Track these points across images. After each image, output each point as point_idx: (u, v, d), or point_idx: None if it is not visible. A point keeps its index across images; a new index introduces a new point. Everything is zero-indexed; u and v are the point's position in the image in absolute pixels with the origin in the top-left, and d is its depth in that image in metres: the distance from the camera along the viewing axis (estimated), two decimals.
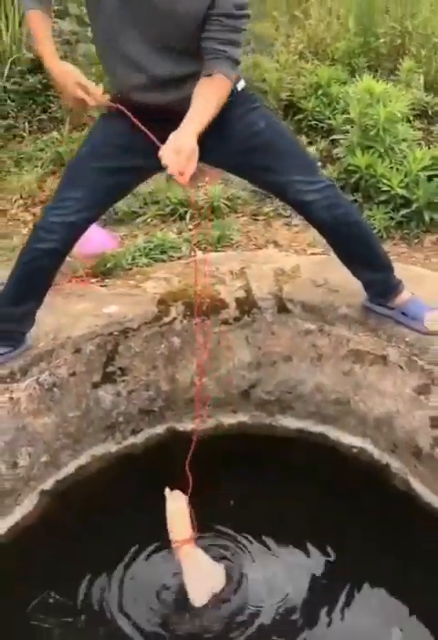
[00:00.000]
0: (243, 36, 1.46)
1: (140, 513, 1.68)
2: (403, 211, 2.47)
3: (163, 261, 2.28)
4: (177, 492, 1.60)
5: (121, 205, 2.60)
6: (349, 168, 2.60)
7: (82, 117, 3.21)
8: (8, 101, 3.32)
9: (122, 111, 1.49)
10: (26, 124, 3.30)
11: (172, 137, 1.37)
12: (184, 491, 1.58)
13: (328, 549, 1.70)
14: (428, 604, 1.58)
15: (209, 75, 1.43)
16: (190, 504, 1.58)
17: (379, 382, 1.85)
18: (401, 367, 1.80)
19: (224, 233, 2.43)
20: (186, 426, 2.02)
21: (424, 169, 2.46)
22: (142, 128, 1.45)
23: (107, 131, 1.60)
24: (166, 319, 1.93)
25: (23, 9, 3.35)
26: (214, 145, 1.48)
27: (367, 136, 2.55)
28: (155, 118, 1.46)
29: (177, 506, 1.58)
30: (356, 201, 2.57)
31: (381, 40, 3.40)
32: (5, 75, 3.34)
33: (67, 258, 2.08)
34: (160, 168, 1.42)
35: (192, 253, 2.27)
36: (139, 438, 2.01)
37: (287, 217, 2.58)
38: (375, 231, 2.42)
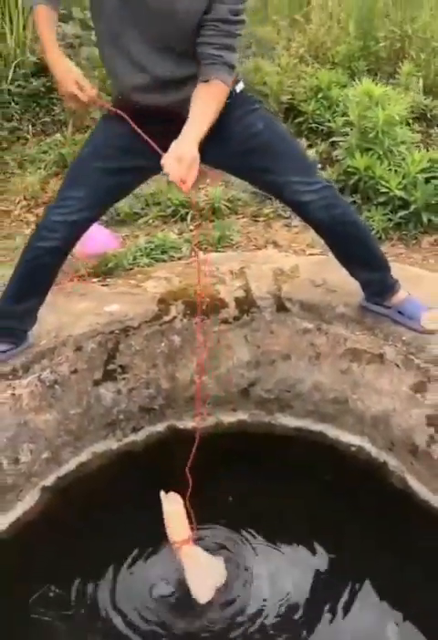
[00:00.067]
0: (238, 41, 1.48)
1: (141, 510, 1.69)
2: (401, 213, 2.49)
3: (164, 261, 2.30)
4: (173, 494, 1.62)
5: (123, 206, 2.63)
6: (349, 170, 2.62)
7: (84, 118, 3.23)
8: (12, 104, 3.35)
9: (123, 117, 1.51)
10: (30, 126, 3.33)
11: (174, 145, 1.39)
12: (184, 492, 1.60)
13: (327, 546, 1.71)
14: (425, 601, 1.60)
15: (206, 81, 1.45)
16: (188, 503, 1.60)
17: (376, 380, 1.87)
18: (398, 366, 1.82)
19: (225, 234, 2.45)
20: (186, 424, 2.04)
21: (422, 171, 2.49)
22: (143, 135, 1.47)
23: (108, 133, 1.62)
24: (166, 318, 1.95)
25: (28, 9, 3.41)
26: (214, 146, 1.49)
27: (366, 138, 2.58)
28: (156, 118, 1.49)
29: (174, 508, 1.60)
30: (355, 202, 2.59)
31: (381, 44, 3.43)
32: (10, 78, 3.37)
33: (70, 258, 2.13)
34: (161, 168, 1.45)
35: (193, 254, 2.29)
36: (139, 436, 2.02)
37: (287, 218, 2.61)
38: (373, 232, 2.44)
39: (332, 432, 2.02)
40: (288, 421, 2.07)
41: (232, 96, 1.54)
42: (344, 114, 2.86)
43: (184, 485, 1.60)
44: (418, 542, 1.73)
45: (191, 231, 2.50)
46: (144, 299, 1.98)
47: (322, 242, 1.86)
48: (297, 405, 2.04)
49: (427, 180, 2.49)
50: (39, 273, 1.67)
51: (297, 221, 2.52)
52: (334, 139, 2.89)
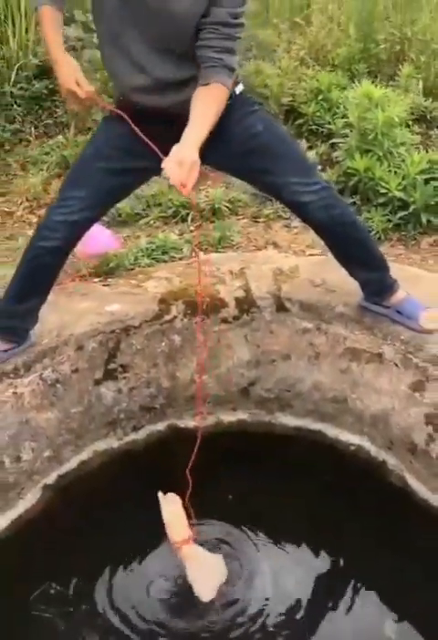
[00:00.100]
0: (238, 45, 1.49)
1: (141, 509, 1.70)
2: (401, 214, 2.50)
3: (165, 261, 2.31)
4: (171, 496, 1.63)
5: (125, 207, 2.64)
6: (349, 171, 2.63)
7: (86, 120, 3.25)
8: (15, 106, 3.36)
9: (124, 118, 1.53)
10: (33, 128, 3.35)
11: (175, 149, 1.40)
12: (184, 492, 1.61)
13: (326, 544, 1.72)
14: (424, 599, 1.61)
15: (206, 84, 1.46)
16: (187, 503, 1.61)
17: (375, 380, 1.88)
18: (397, 365, 1.83)
19: (225, 235, 2.47)
20: (187, 423, 2.05)
21: (422, 172, 2.50)
22: (143, 137, 1.48)
23: (109, 134, 1.64)
24: (167, 317, 1.96)
25: (33, 10, 3.44)
26: (214, 148, 1.50)
27: (365, 140, 2.59)
28: (156, 120, 1.50)
29: (172, 509, 1.61)
30: (354, 203, 2.60)
31: (381, 46, 3.44)
32: (12, 80, 3.38)
33: (72, 258, 2.15)
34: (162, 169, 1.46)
35: (194, 254, 2.30)
36: (140, 435, 2.04)
37: (287, 219, 2.62)
38: (373, 232, 2.46)
39: (332, 431, 2.03)
40: (288, 420, 2.08)
41: (231, 98, 1.55)
42: (344, 116, 2.87)
43: (185, 484, 1.61)
44: (417, 541, 1.74)
45: (191, 231, 2.52)
46: (145, 299, 2.00)
47: (322, 242, 1.87)
48: (297, 404, 2.05)
49: (426, 182, 2.50)
50: (40, 272, 1.69)
51: (297, 222, 2.53)
52: (334, 140, 2.90)
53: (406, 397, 1.81)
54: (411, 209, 2.48)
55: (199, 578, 1.57)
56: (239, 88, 1.61)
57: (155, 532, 1.64)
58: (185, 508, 1.62)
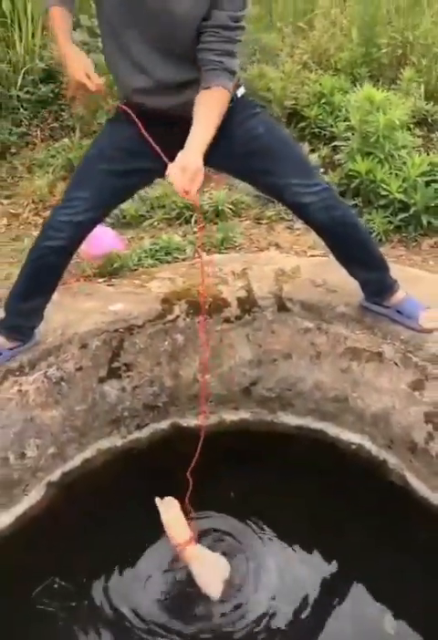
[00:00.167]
0: (238, 47, 1.50)
1: (144, 507, 1.70)
2: (402, 216, 2.52)
3: (168, 262, 2.33)
4: (168, 499, 1.64)
5: (129, 209, 2.67)
6: (350, 173, 2.65)
7: (91, 124, 3.28)
8: (21, 110, 3.39)
9: (130, 118, 1.54)
10: (39, 132, 3.38)
11: (180, 155, 1.42)
12: (185, 492, 1.62)
13: (327, 543, 1.73)
14: (424, 596, 1.62)
15: (208, 87, 1.47)
16: (187, 503, 1.62)
17: (375, 379, 1.90)
18: (397, 364, 1.85)
19: (228, 236, 2.49)
20: (190, 421, 2.07)
21: (423, 174, 2.51)
22: (150, 141, 1.50)
23: (113, 136, 1.66)
24: (170, 317, 1.98)
25: (39, 15, 3.48)
26: (216, 150, 1.52)
27: (367, 142, 2.61)
28: (158, 121, 1.53)
29: (171, 512, 1.62)
30: (356, 205, 2.62)
31: (383, 50, 3.47)
32: (19, 84, 3.42)
33: (76, 259, 2.17)
34: (166, 169, 1.49)
35: (197, 255, 2.33)
36: (143, 433, 2.06)
37: (289, 220, 2.64)
38: (374, 234, 2.48)
39: (333, 430, 2.05)
40: (290, 419, 2.10)
41: (233, 100, 1.57)
42: (346, 119, 2.89)
43: (187, 484, 1.63)
44: (417, 538, 1.75)
45: (195, 233, 2.54)
46: (148, 299, 2.02)
47: (323, 243, 1.88)
48: (298, 403, 2.07)
49: (427, 184, 2.52)
50: (45, 272, 1.71)
51: (299, 223, 2.55)
52: (336, 143, 2.92)
53: (406, 395, 1.83)
54: (411, 211, 2.50)
55: (205, 577, 1.59)
56: (241, 91, 1.62)
57: (158, 530, 1.65)
58: (185, 508, 1.63)
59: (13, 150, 3.28)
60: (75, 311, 1.95)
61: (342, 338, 1.95)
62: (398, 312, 1.85)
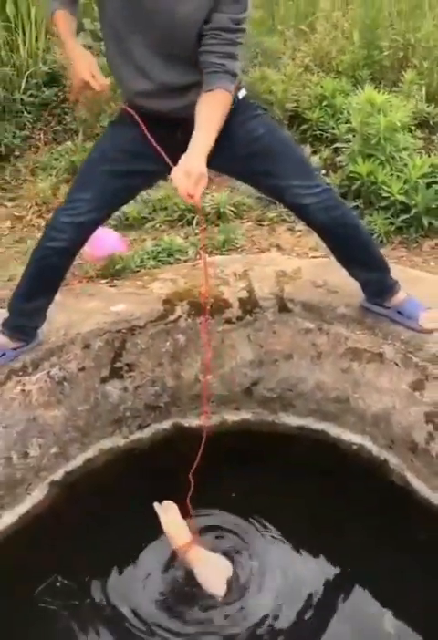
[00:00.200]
0: (240, 50, 1.51)
1: (146, 507, 1.71)
2: (403, 217, 2.53)
3: (170, 263, 2.35)
4: (166, 503, 1.65)
5: (131, 211, 2.69)
6: (351, 175, 2.66)
7: (94, 127, 3.30)
8: (25, 113, 3.41)
9: (133, 121, 1.55)
10: (42, 135, 3.39)
11: (184, 158, 1.42)
12: (187, 493, 1.63)
13: (328, 542, 1.74)
14: (424, 596, 1.63)
15: (210, 90, 1.48)
16: (189, 505, 1.63)
17: (376, 379, 1.91)
18: (397, 364, 1.86)
19: (230, 237, 2.50)
20: (191, 422, 2.08)
21: (424, 176, 2.52)
22: (154, 143, 1.51)
23: (116, 138, 1.67)
24: (171, 317, 1.99)
25: (42, 19, 3.51)
26: (217, 151, 1.52)
27: (368, 144, 2.62)
28: (160, 124, 1.54)
29: (170, 516, 1.63)
30: (357, 207, 2.63)
31: (385, 53, 3.47)
32: (23, 88, 3.44)
33: (79, 261, 2.19)
34: (168, 171, 1.50)
35: (199, 256, 2.34)
36: (145, 433, 2.07)
37: (291, 222, 2.65)
38: (375, 235, 2.49)
39: (334, 431, 2.06)
40: (291, 420, 2.11)
41: (235, 102, 1.57)
42: (347, 121, 2.90)
43: (188, 485, 1.63)
44: (417, 538, 1.76)
45: (196, 234, 2.55)
46: (150, 299, 2.03)
47: (324, 245, 1.89)
48: (300, 404, 2.08)
49: (428, 185, 2.53)
50: (48, 272, 1.72)
51: (300, 225, 2.56)
52: (337, 145, 2.93)
53: (406, 395, 1.83)
54: (412, 212, 2.51)
55: (208, 577, 1.60)
56: (242, 93, 1.64)
57: (159, 530, 1.66)
58: (187, 509, 1.63)
59: (16, 153, 3.30)
60: (78, 311, 1.96)
61: (343, 339, 1.96)
62: (398, 312, 1.86)
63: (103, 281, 2.20)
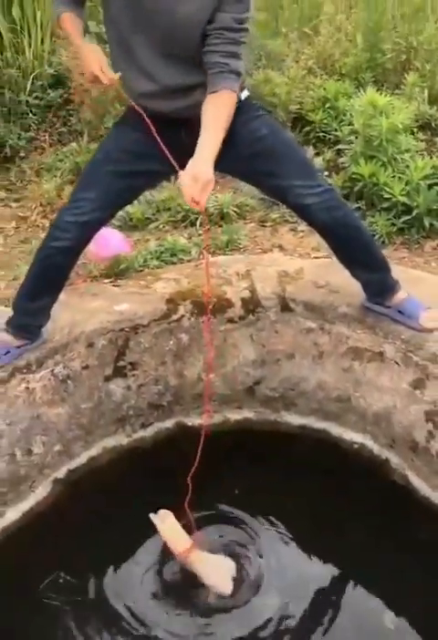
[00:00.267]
0: (243, 49, 1.51)
1: (148, 505, 1.71)
2: (404, 218, 2.54)
3: (173, 263, 2.36)
4: (162, 512, 1.65)
5: (135, 212, 2.71)
6: (354, 176, 2.68)
7: (98, 128, 3.32)
8: (30, 115, 3.43)
9: (137, 121, 1.56)
10: (47, 136, 3.41)
11: (191, 163, 1.43)
12: (182, 500, 1.63)
13: (330, 541, 1.75)
14: (425, 595, 1.63)
15: (215, 91, 1.49)
16: (187, 508, 1.63)
17: (377, 378, 1.92)
18: (398, 363, 1.87)
19: (232, 238, 2.51)
20: (194, 421, 2.09)
21: (425, 177, 2.54)
22: (161, 143, 1.51)
23: (120, 139, 1.69)
24: (174, 317, 2.00)
25: (48, 21, 3.53)
26: (222, 153, 1.52)
27: (370, 146, 2.64)
28: (164, 124, 1.55)
29: (167, 523, 1.63)
30: (359, 208, 2.65)
31: (388, 56, 3.49)
32: (28, 90, 3.47)
33: (83, 260, 2.21)
34: (172, 171, 1.51)
35: (202, 256, 2.35)
36: (148, 432, 2.08)
37: (293, 223, 2.66)
38: (377, 236, 2.50)
39: (335, 430, 2.06)
40: (293, 419, 2.12)
41: (238, 102, 1.58)
42: (350, 123, 2.91)
43: (187, 487, 1.64)
44: (418, 537, 1.77)
45: (200, 235, 2.57)
46: (153, 299, 2.04)
47: (327, 245, 1.90)
48: (302, 403, 2.09)
49: (430, 187, 2.54)
50: (52, 271, 1.73)
51: (303, 226, 2.58)
52: (340, 147, 2.95)
53: (407, 394, 1.84)
54: (414, 213, 2.52)
55: (213, 577, 1.61)
56: (244, 94, 1.65)
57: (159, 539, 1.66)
58: (185, 512, 1.63)
59: (22, 155, 3.32)
60: (81, 310, 1.98)
61: (344, 338, 1.97)
62: (399, 312, 1.87)
63: (107, 280, 2.22)
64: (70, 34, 1.60)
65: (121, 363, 1.97)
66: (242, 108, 1.62)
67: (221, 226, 2.64)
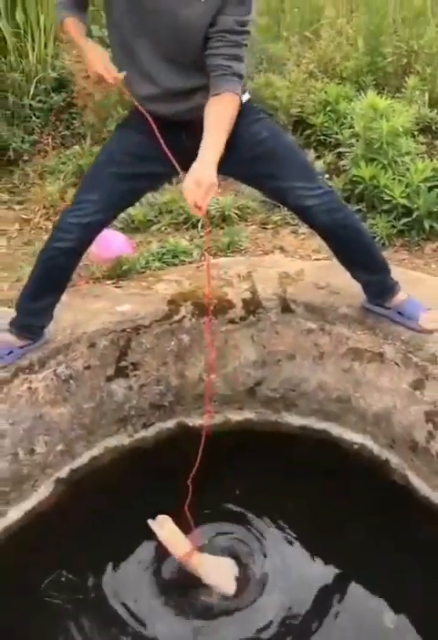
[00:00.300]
0: (245, 51, 1.52)
1: (150, 505, 1.73)
2: (405, 220, 2.56)
3: (175, 265, 2.38)
4: (160, 518, 1.65)
5: (137, 214, 2.73)
6: (354, 179, 2.69)
7: (101, 131, 3.34)
8: (34, 118, 3.46)
9: (140, 123, 1.57)
10: (50, 139, 3.43)
11: (194, 167, 1.43)
12: (183, 503, 1.63)
13: (330, 541, 1.75)
14: (425, 594, 1.63)
15: (217, 94, 1.50)
16: (187, 510, 1.63)
17: (377, 379, 1.92)
18: (398, 364, 1.87)
19: (234, 240, 2.53)
20: (195, 421, 2.10)
21: (425, 180, 2.55)
22: (164, 146, 1.52)
23: (122, 141, 1.70)
24: (176, 317, 2.01)
25: (51, 26, 3.57)
26: (222, 155, 1.52)
27: (371, 149, 2.65)
28: (166, 127, 1.56)
29: (166, 528, 1.64)
30: (360, 210, 2.66)
31: (388, 59, 3.51)
32: (31, 93, 3.50)
33: (86, 262, 2.23)
34: (174, 174, 1.52)
35: (203, 257, 2.37)
36: (149, 432, 2.08)
37: (294, 225, 2.68)
38: (377, 238, 2.51)
39: (336, 430, 2.07)
40: (293, 420, 2.12)
41: (239, 105, 1.58)
42: (351, 126, 2.93)
43: (187, 489, 1.64)
44: (418, 538, 1.77)
45: (201, 237, 2.58)
46: (155, 300, 2.05)
47: (327, 247, 1.91)
48: (302, 403, 2.10)
49: (430, 189, 2.56)
50: (55, 272, 1.74)
51: (304, 228, 2.59)
52: (341, 150, 2.97)
53: (407, 395, 1.85)
54: (414, 215, 2.53)
55: (215, 578, 1.62)
56: (246, 96, 1.65)
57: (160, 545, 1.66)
58: (185, 515, 1.64)
59: (25, 158, 3.35)
60: (84, 311, 1.99)
61: (345, 339, 1.98)
62: (399, 313, 1.88)
63: (109, 282, 2.23)
64: (74, 37, 1.62)
65: (123, 363, 1.99)
66: (243, 111, 1.62)
67: (222, 228, 2.66)
